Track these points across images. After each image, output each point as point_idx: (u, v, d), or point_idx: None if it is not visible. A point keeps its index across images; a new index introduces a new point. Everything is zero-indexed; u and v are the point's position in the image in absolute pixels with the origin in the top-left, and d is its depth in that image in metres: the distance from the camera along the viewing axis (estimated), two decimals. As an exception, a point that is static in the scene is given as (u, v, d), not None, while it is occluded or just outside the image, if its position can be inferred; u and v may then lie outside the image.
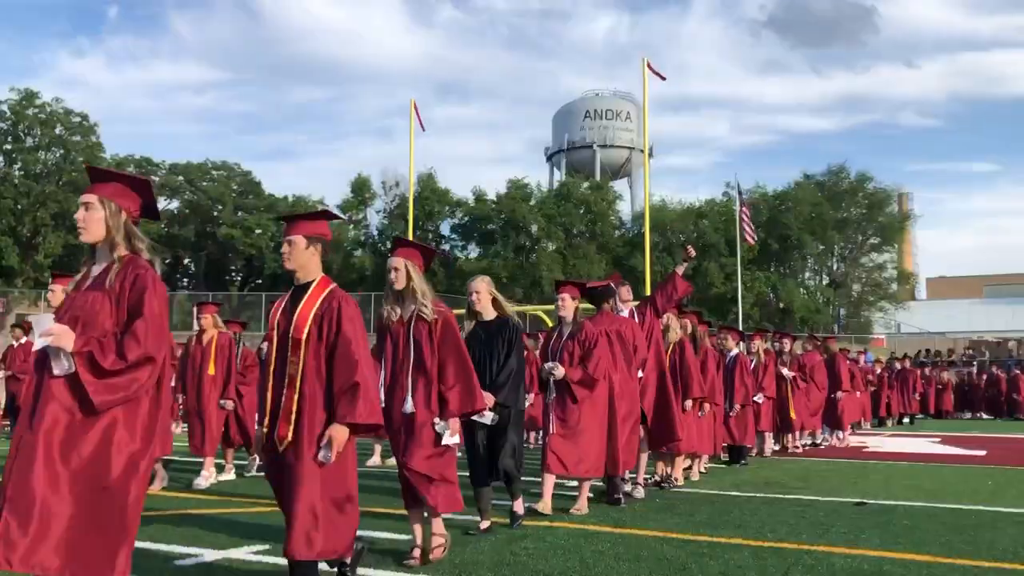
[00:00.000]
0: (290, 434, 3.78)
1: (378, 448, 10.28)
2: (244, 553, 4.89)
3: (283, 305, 4.04)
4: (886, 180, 53.74)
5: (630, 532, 5.67)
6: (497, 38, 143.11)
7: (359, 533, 4.02)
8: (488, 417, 5.31)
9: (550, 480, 6.36)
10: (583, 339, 6.51)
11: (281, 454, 3.81)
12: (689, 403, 8.01)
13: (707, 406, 8.52)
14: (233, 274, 48.06)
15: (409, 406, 4.66)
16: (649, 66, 18.05)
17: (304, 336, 3.85)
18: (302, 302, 3.92)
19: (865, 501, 7.07)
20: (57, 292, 6.76)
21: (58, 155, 40.73)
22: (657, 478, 7.98)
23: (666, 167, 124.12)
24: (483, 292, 5.71)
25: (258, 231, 44.74)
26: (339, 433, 3.73)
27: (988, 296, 61.51)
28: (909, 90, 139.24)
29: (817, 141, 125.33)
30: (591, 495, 6.78)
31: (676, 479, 8.05)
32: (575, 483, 6.96)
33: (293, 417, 3.79)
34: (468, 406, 4.76)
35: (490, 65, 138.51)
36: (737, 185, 28.60)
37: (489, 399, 5.21)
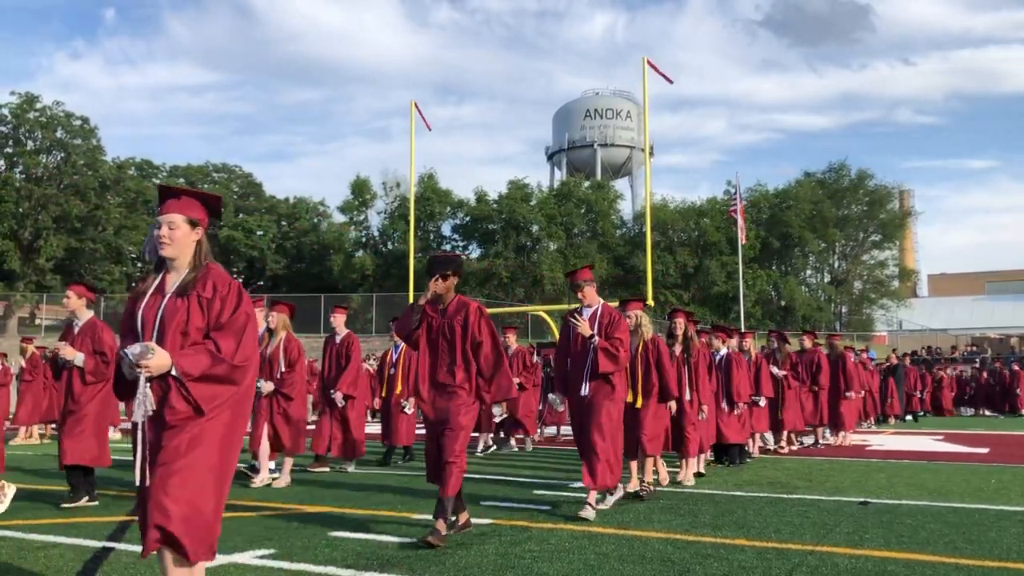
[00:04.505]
0: None
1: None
2: (249, 558, 4.89)
3: None
4: (885, 177, 53.77)
5: (634, 534, 5.67)
6: (494, 38, 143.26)
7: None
8: None
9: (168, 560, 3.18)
10: (203, 293, 3.33)
11: None
12: (673, 404, 7.69)
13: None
14: (235, 276, 48.03)
15: None
16: (653, 67, 18.04)
17: None
18: None
19: (868, 500, 7.07)
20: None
21: (59, 158, 40.82)
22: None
23: (666, 166, 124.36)
24: None
25: (259, 233, 44.81)
26: None
27: (990, 292, 61.55)
28: (906, 87, 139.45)
29: (815, 139, 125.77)
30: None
31: (646, 482, 7.54)
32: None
33: None
34: None
35: (488, 66, 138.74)
36: (737, 186, 28.64)
37: None
